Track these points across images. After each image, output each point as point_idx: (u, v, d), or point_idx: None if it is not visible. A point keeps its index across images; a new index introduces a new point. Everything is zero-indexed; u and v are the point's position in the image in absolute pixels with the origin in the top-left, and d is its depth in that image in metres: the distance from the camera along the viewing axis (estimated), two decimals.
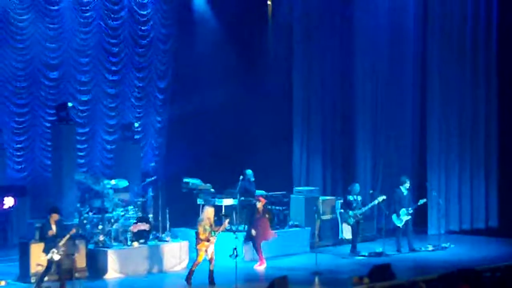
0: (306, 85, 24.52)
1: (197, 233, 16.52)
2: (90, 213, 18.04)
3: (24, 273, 16.64)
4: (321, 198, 21.78)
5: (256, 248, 18.57)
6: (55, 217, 15.75)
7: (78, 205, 18.49)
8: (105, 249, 17.32)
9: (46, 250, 15.50)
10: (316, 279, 17.29)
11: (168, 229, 18.70)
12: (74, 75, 22.29)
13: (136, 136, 22.58)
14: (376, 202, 20.35)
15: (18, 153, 21.43)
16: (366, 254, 19.87)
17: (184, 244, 18.36)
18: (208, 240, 16.38)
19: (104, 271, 17.22)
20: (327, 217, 21.50)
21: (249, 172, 20.23)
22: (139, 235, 17.85)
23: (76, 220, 18.10)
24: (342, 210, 20.93)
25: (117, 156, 22.41)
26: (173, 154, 23.52)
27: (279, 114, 24.49)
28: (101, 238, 17.46)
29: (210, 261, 16.39)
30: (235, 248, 15.74)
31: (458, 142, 23.68)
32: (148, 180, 20.24)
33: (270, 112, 24.18)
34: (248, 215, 19.46)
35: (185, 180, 20.23)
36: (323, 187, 23.97)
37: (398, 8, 23.89)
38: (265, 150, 23.50)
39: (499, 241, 22.01)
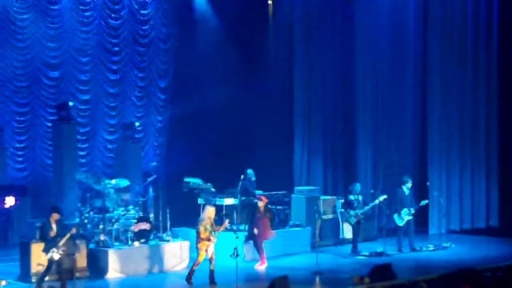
0: (307, 84, 24.50)
1: (198, 232, 16.54)
2: (91, 213, 18.05)
3: (24, 273, 16.64)
4: (322, 197, 21.79)
5: (258, 248, 18.57)
6: (55, 216, 15.76)
7: (79, 204, 18.54)
8: (106, 248, 17.32)
9: (47, 250, 15.51)
10: (317, 279, 17.28)
11: (169, 228, 18.70)
12: (74, 75, 22.24)
13: (137, 136, 22.57)
14: (377, 201, 20.36)
15: (19, 153, 21.39)
16: (367, 253, 19.87)
17: (185, 244, 18.35)
18: (209, 240, 16.40)
19: (105, 270, 17.22)
20: (328, 216, 21.50)
21: (250, 171, 20.24)
22: (140, 235, 17.85)
23: (77, 220, 18.11)
24: (343, 210, 20.94)
25: (118, 156, 22.36)
26: (174, 154, 23.49)
27: (280, 113, 24.47)
28: (102, 237, 17.46)
29: (210, 260, 16.41)
30: (236, 248, 15.75)
31: (458, 141, 23.69)
32: (149, 179, 20.23)
33: (271, 111, 24.15)
34: (249, 215, 19.46)
35: (186, 179, 20.24)
36: (324, 187, 23.96)
37: (399, 8, 23.89)
38: (266, 149, 23.46)
39: (500, 240, 22.01)
